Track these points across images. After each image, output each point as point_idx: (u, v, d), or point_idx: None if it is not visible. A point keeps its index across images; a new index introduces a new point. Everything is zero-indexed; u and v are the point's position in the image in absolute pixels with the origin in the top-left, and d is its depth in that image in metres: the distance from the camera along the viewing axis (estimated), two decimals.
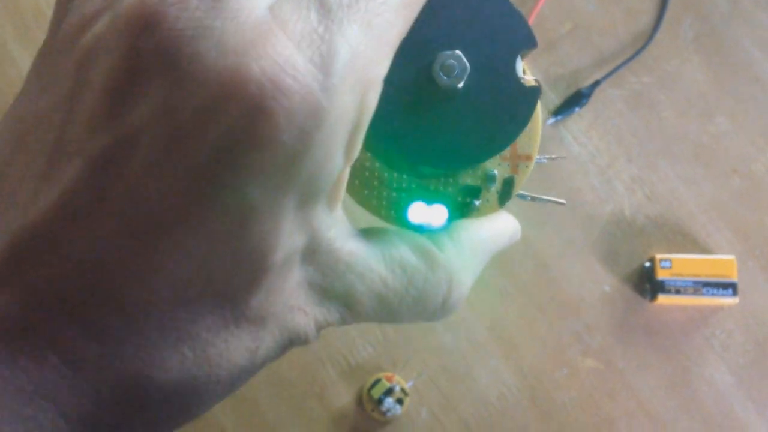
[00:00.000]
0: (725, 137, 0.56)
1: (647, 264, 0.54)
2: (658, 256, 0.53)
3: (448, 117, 0.21)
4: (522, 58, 0.21)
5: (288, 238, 0.18)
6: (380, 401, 0.52)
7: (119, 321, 0.17)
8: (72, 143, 0.16)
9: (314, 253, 0.19)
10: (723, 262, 0.52)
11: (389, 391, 0.53)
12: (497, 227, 0.24)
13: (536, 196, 0.28)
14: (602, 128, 0.57)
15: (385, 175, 0.24)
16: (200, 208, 0.16)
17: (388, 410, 0.52)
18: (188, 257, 0.17)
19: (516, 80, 0.21)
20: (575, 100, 0.57)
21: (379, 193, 0.24)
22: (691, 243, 0.55)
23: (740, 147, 0.56)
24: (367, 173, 0.24)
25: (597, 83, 0.57)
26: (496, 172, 0.24)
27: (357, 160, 0.20)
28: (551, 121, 0.57)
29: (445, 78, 0.20)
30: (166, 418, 0.18)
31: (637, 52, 0.58)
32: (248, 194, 0.16)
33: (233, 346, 0.18)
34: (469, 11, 0.20)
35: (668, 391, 0.52)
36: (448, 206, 0.24)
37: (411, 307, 0.21)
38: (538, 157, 0.24)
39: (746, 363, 0.52)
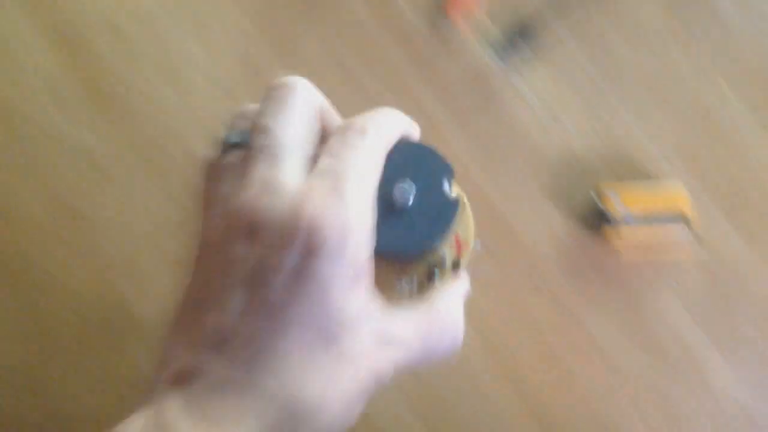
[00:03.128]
0: (678, 71, 0.54)
1: (596, 199, 0.52)
2: (607, 190, 0.51)
3: (404, 221, 0.33)
4: (448, 181, 0.34)
5: (353, 299, 0.30)
6: None
7: (274, 364, 0.29)
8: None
9: (368, 318, 0.30)
10: (674, 193, 0.50)
11: None
12: (454, 292, 0.36)
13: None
14: (552, 68, 0.55)
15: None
16: (302, 288, 0.29)
17: None
18: (304, 319, 0.29)
19: (444, 195, 0.34)
20: (524, 40, 0.55)
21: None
22: (643, 177, 0.53)
23: (694, 80, 0.54)
24: None
25: (547, 22, 0.55)
26: (445, 256, 0.36)
27: None
28: (500, 63, 0.55)
29: (400, 197, 0.33)
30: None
31: None
32: (324, 274, 0.29)
33: (340, 377, 0.30)
34: (413, 159, 0.34)
35: (622, 329, 0.50)
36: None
37: (436, 338, 0.33)
38: (474, 241, 0.37)
39: (701, 296, 0.51)
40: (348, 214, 0.29)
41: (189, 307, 0.32)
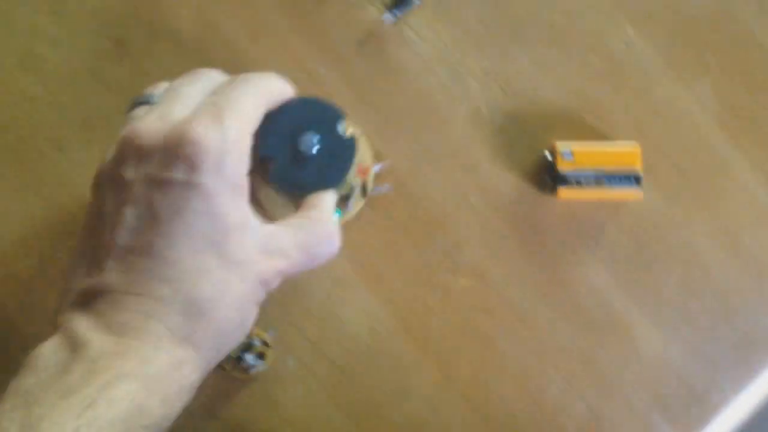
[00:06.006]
0: (578, 15, 0.51)
1: (548, 155, 0.49)
2: (559, 144, 0.48)
3: (313, 165, 0.40)
4: (341, 123, 0.41)
5: (235, 209, 0.34)
6: (239, 359, 0.46)
7: (168, 272, 0.33)
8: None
9: (250, 228, 0.35)
10: (626, 151, 0.48)
11: (248, 347, 0.47)
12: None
13: (375, 189, 0.48)
14: (446, 18, 0.51)
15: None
16: (188, 200, 0.33)
17: (251, 367, 0.47)
18: (192, 229, 0.33)
19: (340, 138, 0.41)
20: None
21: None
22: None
23: (595, 23, 0.51)
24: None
25: None
26: (354, 184, 0.46)
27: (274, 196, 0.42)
28: (388, 18, 0.50)
29: (305, 147, 0.40)
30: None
31: None
32: (207, 186, 0.33)
33: (229, 279, 0.34)
34: (308, 112, 0.40)
35: (546, 299, 0.49)
36: (337, 211, 0.43)
37: (315, 245, 0.38)
38: (374, 165, 0.48)
39: (624, 258, 0.49)
40: (225, 136, 0.34)
41: (86, 236, 0.36)
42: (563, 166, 0.47)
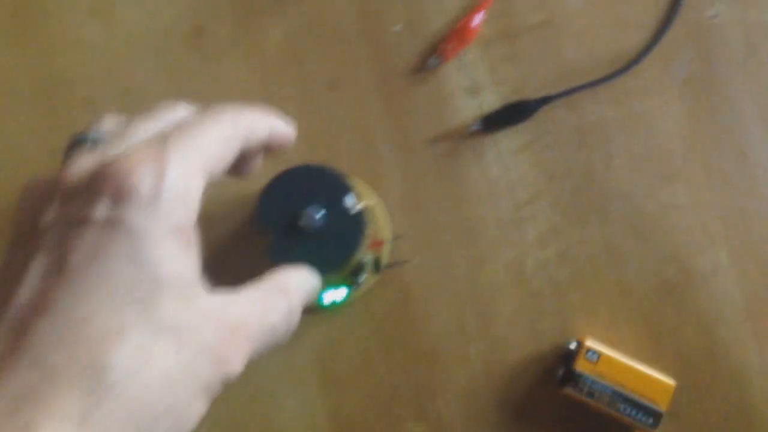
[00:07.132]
0: (677, 212, 0.45)
1: (572, 345, 0.43)
2: (589, 344, 0.42)
3: (315, 242, 0.36)
4: (349, 197, 0.37)
5: (172, 259, 0.27)
6: None
7: (71, 333, 0.26)
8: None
9: (197, 290, 0.28)
10: (657, 383, 0.42)
11: None
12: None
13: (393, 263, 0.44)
14: (537, 155, 0.45)
15: None
16: (111, 241, 0.26)
17: None
18: (111, 277, 0.26)
19: (347, 213, 0.36)
20: (516, 111, 0.45)
21: None
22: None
23: (691, 230, 0.45)
24: None
25: (548, 99, 0.45)
26: (365, 259, 0.41)
27: None
28: (477, 127, 0.45)
29: (309, 222, 0.36)
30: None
31: (611, 76, 0.45)
32: (135, 225, 0.26)
33: (156, 348, 0.26)
34: (315, 183, 0.37)
35: None
36: (345, 286, 0.41)
37: (278, 321, 0.30)
38: (392, 236, 0.44)
39: None
40: (162, 174, 0.27)
41: None
42: (582, 366, 0.41)
